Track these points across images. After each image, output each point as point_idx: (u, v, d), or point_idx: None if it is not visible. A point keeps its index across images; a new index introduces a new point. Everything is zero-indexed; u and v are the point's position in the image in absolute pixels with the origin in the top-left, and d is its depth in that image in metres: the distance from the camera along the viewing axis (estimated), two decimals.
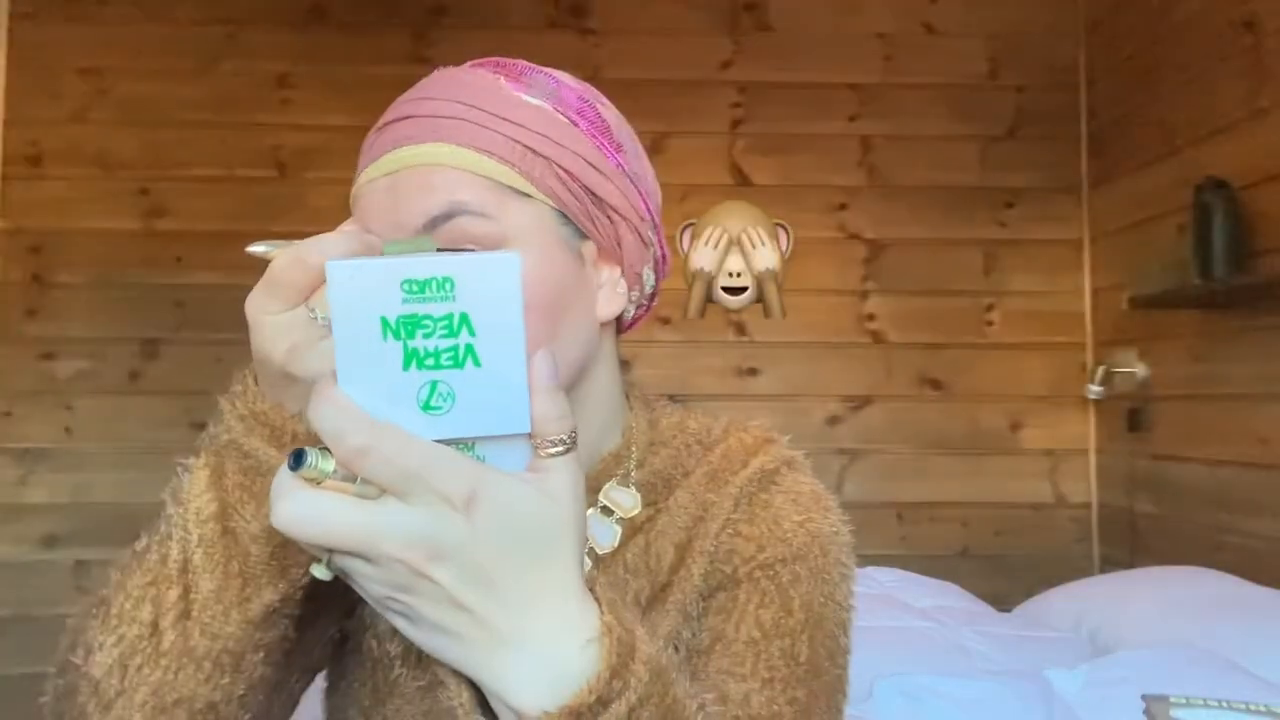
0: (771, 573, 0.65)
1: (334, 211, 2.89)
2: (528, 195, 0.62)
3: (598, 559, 0.68)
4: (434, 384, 0.43)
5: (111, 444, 2.63)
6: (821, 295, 2.77)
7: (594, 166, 0.64)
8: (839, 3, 2.83)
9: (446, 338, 0.42)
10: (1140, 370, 2.49)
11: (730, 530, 0.67)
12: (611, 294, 0.68)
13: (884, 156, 2.80)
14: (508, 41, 2.73)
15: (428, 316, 0.42)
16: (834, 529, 0.68)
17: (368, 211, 0.62)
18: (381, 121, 0.65)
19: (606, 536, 0.68)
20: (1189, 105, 2.31)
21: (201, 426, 0.59)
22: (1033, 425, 2.76)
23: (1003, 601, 2.36)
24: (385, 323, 0.42)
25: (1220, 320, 2.18)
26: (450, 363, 0.43)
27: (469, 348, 0.43)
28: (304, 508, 0.42)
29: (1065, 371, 2.77)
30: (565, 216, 0.64)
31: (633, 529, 0.69)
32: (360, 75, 2.70)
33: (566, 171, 0.63)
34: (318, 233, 0.49)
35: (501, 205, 0.61)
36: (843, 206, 2.79)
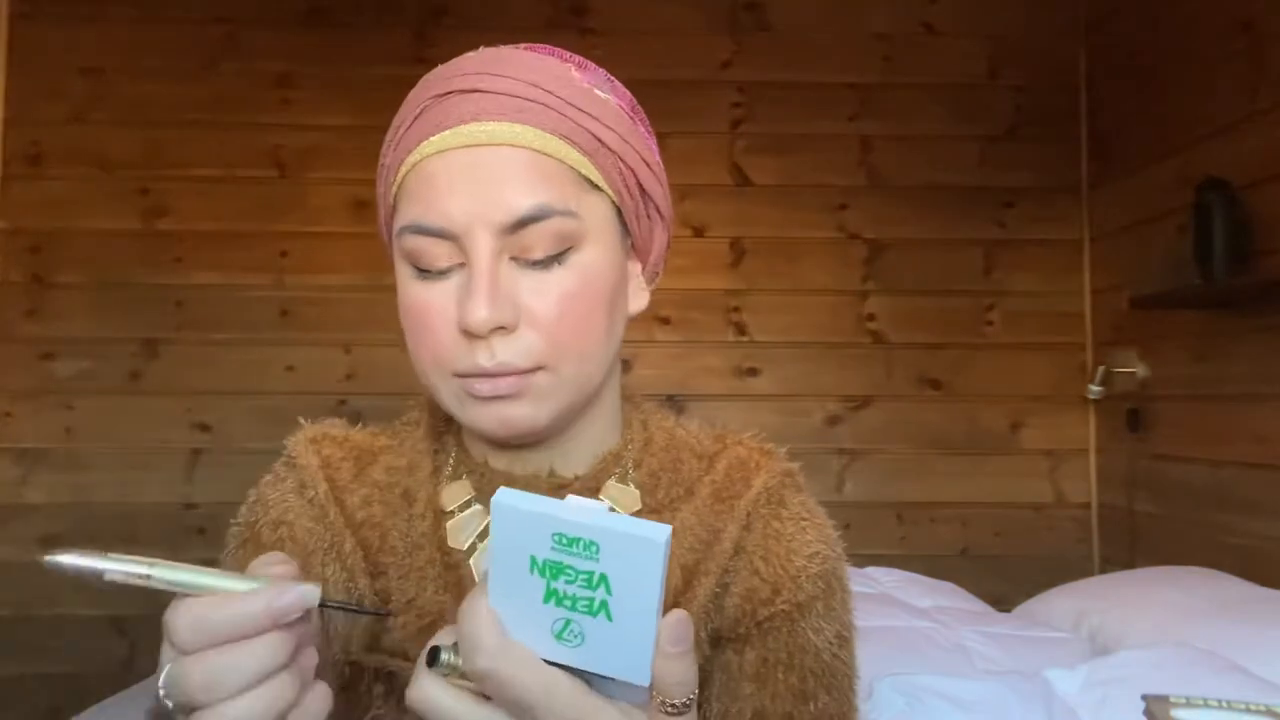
0: (790, 622, 0.67)
1: (334, 211, 2.91)
2: (599, 189, 0.62)
3: None
4: (568, 621, 0.46)
5: (111, 444, 2.62)
6: (821, 295, 2.77)
7: (648, 164, 0.65)
8: (839, 3, 2.83)
9: (585, 589, 0.45)
10: (1140, 370, 2.49)
11: (743, 561, 0.68)
12: (637, 290, 0.70)
13: (884, 156, 2.80)
14: (508, 41, 2.71)
15: (571, 567, 0.45)
16: (836, 556, 0.70)
17: (439, 183, 0.59)
18: (442, 89, 0.62)
19: None
20: (1189, 105, 2.30)
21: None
22: (1033, 425, 2.76)
23: (1003, 601, 2.36)
24: (534, 560, 0.45)
25: (1220, 320, 2.18)
26: (585, 610, 0.45)
27: (604, 603, 0.45)
28: (430, 696, 0.46)
29: (1065, 371, 2.77)
30: (619, 212, 0.64)
31: None
32: (360, 75, 2.69)
33: (629, 168, 0.64)
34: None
35: (580, 199, 0.61)
36: (843, 206, 2.78)
